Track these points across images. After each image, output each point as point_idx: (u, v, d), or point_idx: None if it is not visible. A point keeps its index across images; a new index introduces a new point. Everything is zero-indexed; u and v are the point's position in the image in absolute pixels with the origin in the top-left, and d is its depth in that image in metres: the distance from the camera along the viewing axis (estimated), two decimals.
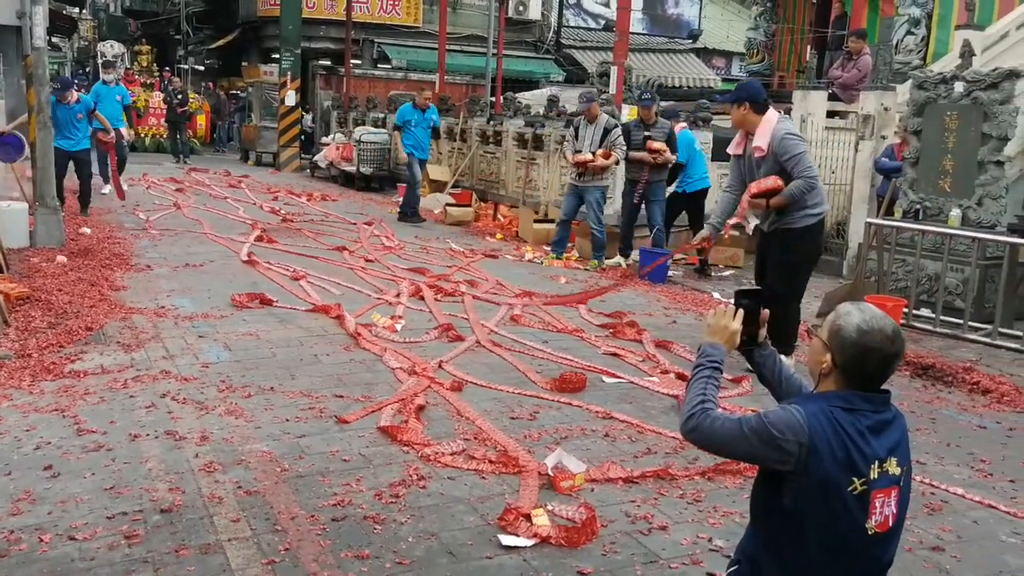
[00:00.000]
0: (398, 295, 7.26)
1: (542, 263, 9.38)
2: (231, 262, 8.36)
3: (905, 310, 7.17)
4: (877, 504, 2.08)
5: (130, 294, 6.80)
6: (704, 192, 9.91)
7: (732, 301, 2.39)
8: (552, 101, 12.73)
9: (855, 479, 2.04)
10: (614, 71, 11.10)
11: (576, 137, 9.47)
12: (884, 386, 2.17)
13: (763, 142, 5.61)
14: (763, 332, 2.42)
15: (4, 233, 8.00)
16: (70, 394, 4.55)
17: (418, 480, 3.74)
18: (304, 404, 4.60)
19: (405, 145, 12.36)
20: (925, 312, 7.29)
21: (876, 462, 2.08)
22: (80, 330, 5.59)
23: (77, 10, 29.92)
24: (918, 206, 7.77)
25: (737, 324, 2.32)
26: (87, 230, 9.38)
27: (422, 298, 7.24)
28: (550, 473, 3.79)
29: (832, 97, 11.04)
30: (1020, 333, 6.65)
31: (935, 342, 6.77)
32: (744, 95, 5.77)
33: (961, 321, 6.90)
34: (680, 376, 5.45)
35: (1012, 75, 7.23)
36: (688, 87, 27.28)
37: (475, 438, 4.25)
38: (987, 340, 6.72)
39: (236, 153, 23.48)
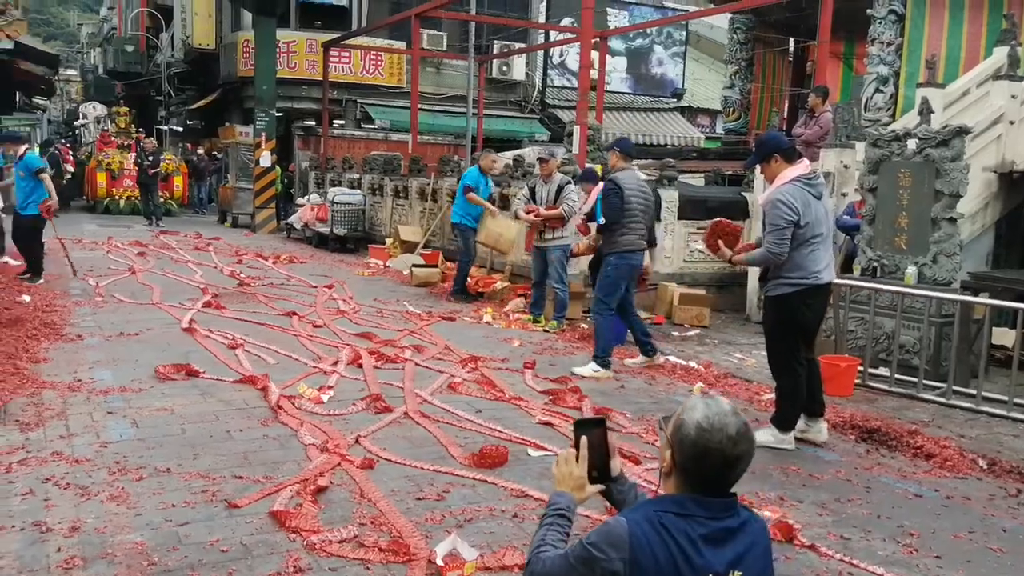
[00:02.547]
0: (336, 363, 6.99)
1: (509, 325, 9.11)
2: (170, 330, 8.10)
3: (860, 369, 6.93)
4: None
5: (49, 367, 6.52)
6: None
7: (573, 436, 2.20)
8: (517, 161, 12.61)
9: None
10: (576, 131, 10.99)
11: (533, 197, 9.37)
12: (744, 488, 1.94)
13: (764, 197, 5.33)
14: (616, 464, 2.21)
15: None
16: None
17: (295, 573, 3.45)
18: (198, 487, 4.31)
19: (462, 215, 10.97)
20: (883, 371, 7.05)
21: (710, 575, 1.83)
22: None
23: (53, 71, 30.12)
24: (875, 263, 7.59)
25: (580, 469, 2.14)
26: (27, 298, 9.13)
27: (361, 366, 6.98)
28: (439, 562, 3.50)
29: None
30: (974, 392, 6.41)
31: (890, 402, 6.53)
32: (770, 149, 5.27)
33: (916, 380, 6.66)
34: None
35: (961, 132, 7.12)
36: (672, 145, 27.38)
37: (372, 522, 3.95)
38: (941, 400, 6.48)
39: (216, 215, 23.41)
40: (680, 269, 11.15)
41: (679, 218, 11.37)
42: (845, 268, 8.45)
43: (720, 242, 5.78)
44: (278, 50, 22.82)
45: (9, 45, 17.16)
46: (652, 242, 8.03)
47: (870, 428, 5.69)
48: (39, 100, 37.00)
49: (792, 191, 5.13)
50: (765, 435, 5.31)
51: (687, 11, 25.68)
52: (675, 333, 9.61)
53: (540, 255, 9.33)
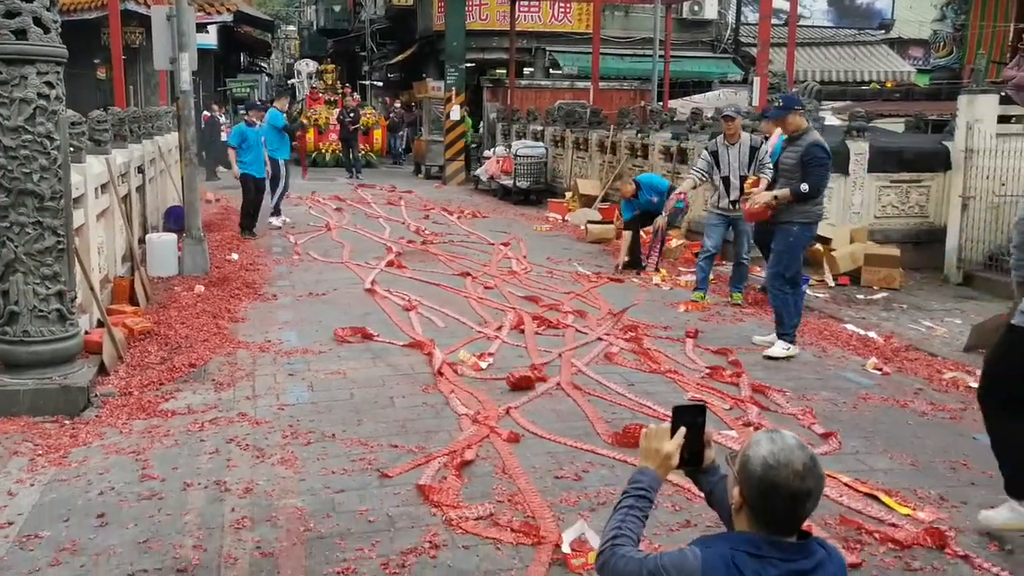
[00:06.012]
0: (499, 328, 7.27)
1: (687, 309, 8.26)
2: (354, 290, 8.68)
3: None
4: None
5: (246, 326, 7.21)
6: None
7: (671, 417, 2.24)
8: (695, 114, 12.32)
9: None
10: (757, 82, 10.59)
11: (717, 163, 8.31)
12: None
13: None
14: (709, 454, 2.25)
15: (155, 262, 8.73)
16: (151, 435, 4.88)
17: (431, 548, 3.72)
18: (357, 454, 4.70)
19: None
20: None
21: None
22: (184, 367, 5.99)
23: (270, 34, 32.27)
24: None
25: (672, 446, 2.17)
26: (235, 256, 10.04)
27: (524, 331, 7.21)
28: (566, 548, 3.67)
29: (1005, 100, 10.05)
30: None
31: None
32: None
33: None
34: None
35: None
36: (877, 82, 25.64)
37: (509, 500, 4.17)
38: None
39: (412, 164, 24.43)
40: (870, 225, 10.57)
41: (869, 171, 10.75)
42: None
43: None
44: (470, 2, 23.25)
45: (229, 18, 18.59)
46: None
47: None
48: (261, 63, 39.92)
49: None
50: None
51: None
52: (859, 296, 9.18)
53: (725, 223, 8.36)
